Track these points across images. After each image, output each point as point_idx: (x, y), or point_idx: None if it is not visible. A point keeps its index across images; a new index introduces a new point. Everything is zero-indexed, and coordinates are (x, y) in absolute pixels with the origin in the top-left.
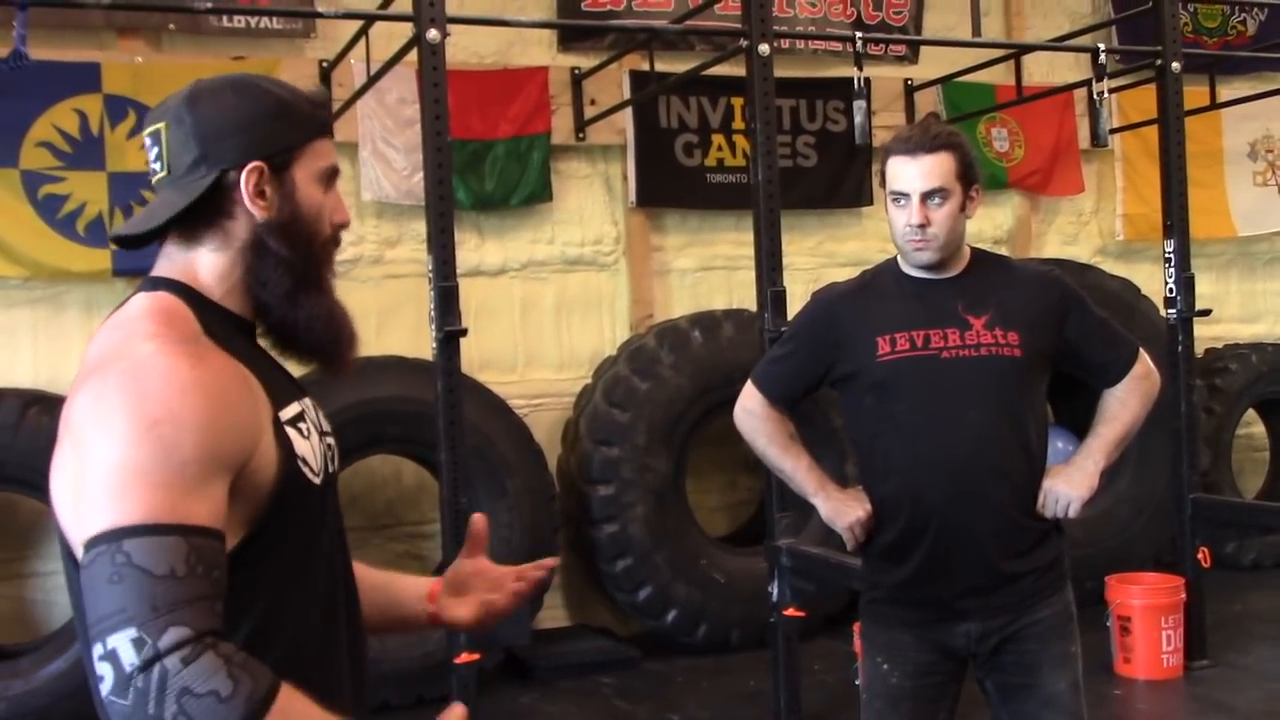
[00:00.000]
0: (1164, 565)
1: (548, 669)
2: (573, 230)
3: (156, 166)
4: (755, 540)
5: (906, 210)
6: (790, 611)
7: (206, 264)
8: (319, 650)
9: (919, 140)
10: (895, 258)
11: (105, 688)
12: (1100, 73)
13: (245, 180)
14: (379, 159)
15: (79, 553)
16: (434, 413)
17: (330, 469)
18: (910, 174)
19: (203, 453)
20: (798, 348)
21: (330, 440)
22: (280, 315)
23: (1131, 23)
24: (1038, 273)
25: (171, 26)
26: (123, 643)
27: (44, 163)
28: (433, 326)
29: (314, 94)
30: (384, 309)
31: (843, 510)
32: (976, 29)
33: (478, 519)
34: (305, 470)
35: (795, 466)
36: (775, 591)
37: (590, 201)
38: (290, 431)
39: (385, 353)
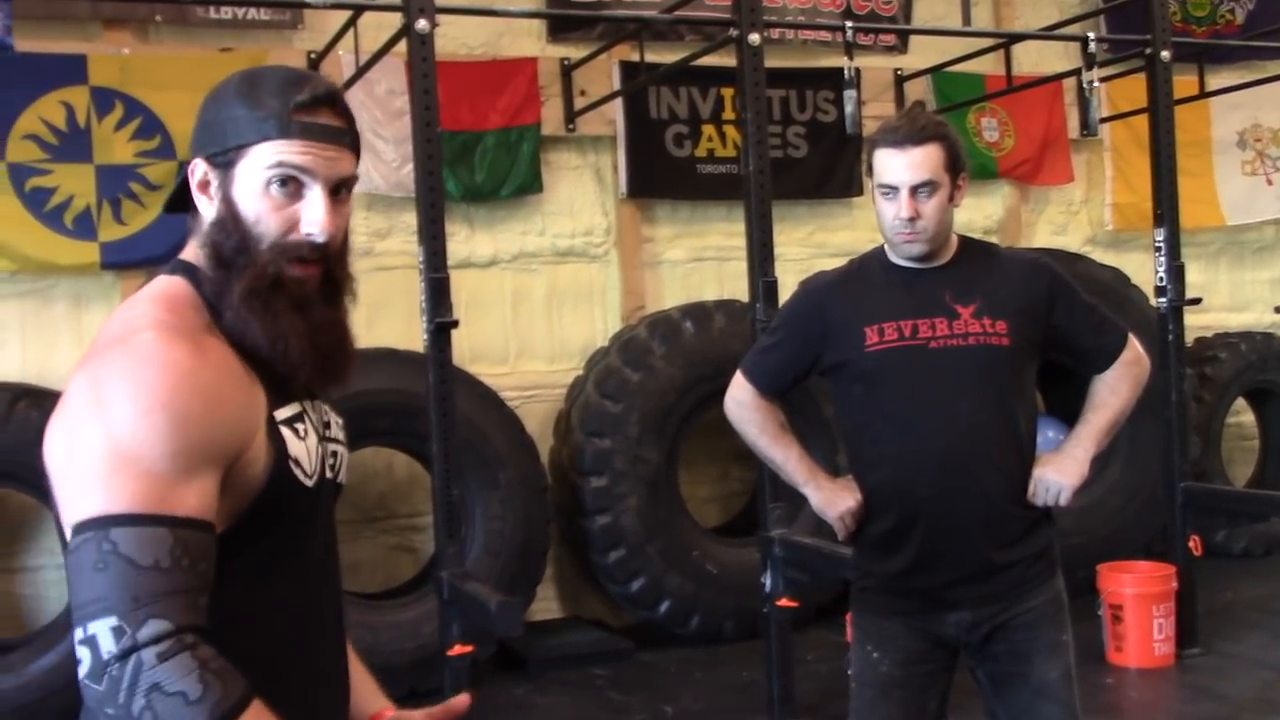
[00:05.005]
0: (1155, 554)
1: (541, 661)
2: (563, 221)
3: None
4: (748, 531)
5: (895, 203)
6: (783, 602)
7: (201, 253)
8: (294, 652)
9: (907, 132)
10: (882, 246)
11: (82, 671)
12: (1090, 62)
13: (191, 176)
14: (368, 150)
15: (68, 534)
16: (426, 405)
17: (330, 475)
18: (899, 166)
19: (195, 444)
20: (786, 338)
21: (337, 448)
22: (219, 312)
23: (1120, 12)
24: (1025, 260)
25: (158, 18)
26: (103, 630)
27: (31, 155)
28: (424, 318)
29: (294, 94)
30: (374, 301)
31: (833, 500)
32: (966, 18)
33: (463, 702)
34: (297, 471)
35: (786, 456)
36: (768, 582)
37: (580, 193)
38: (285, 431)
39: (376, 345)
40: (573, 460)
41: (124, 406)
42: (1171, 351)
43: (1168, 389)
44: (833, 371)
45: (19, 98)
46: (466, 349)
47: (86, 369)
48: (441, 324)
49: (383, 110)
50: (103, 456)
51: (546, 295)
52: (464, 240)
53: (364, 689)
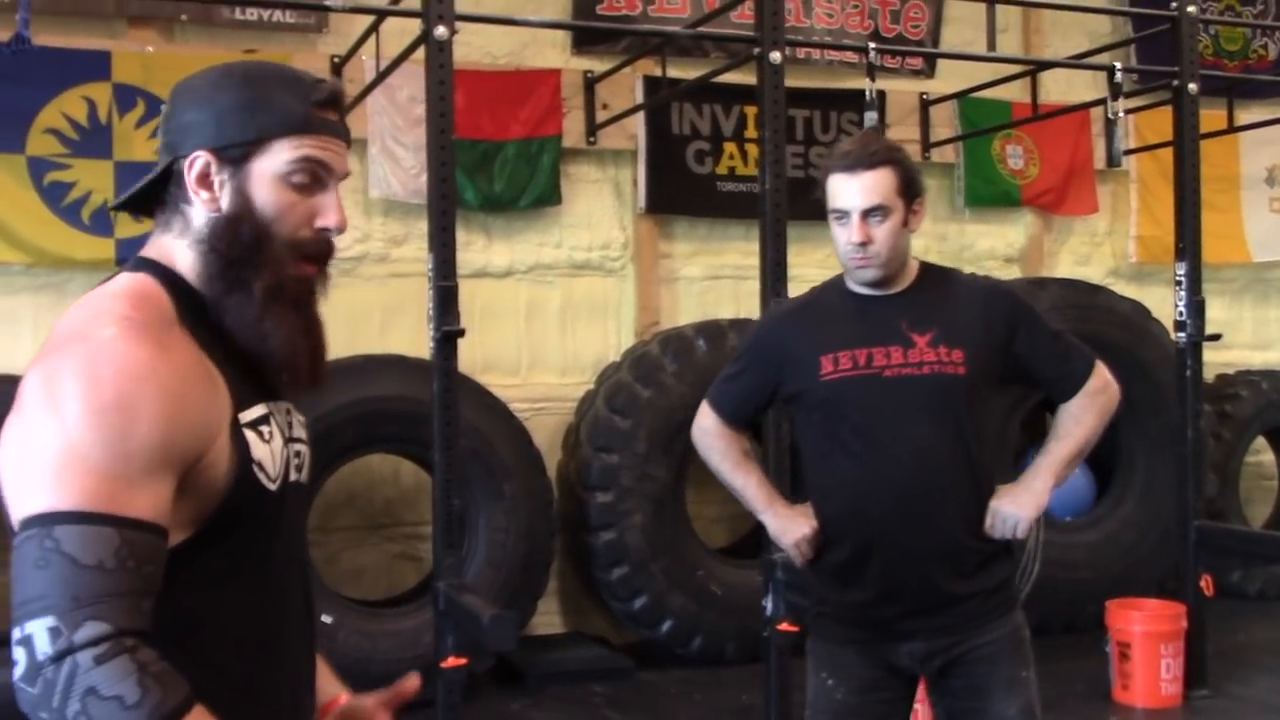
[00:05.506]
0: (1166, 592)
1: (540, 676)
2: (581, 234)
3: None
4: (754, 553)
5: (848, 228)
6: (784, 626)
7: (179, 251)
8: (257, 658)
9: (858, 156)
10: (842, 274)
11: (16, 673)
12: (1115, 92)
13: (188, 169)
14: (387, 156)
15: (14, 530)
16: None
17: (294, 477)
18: (850, 191)
19: (151, 445)
20: (746, 367)
21: (300, 448)
22: (216, 314)
23: (1151, 43)
24: (986, 287)
25: (183, 17)
26: (39, 630)
27: (51, 149)
28: (431, 326)
29: (310, 89)
30: (388, 307)
31: (788, 527)
32: (993, 44)
33: (413, 684)
34: (260, 475)
35: (745, 483)
36: (769, 605)
37: (599, 206)
38: (249, 434)
39: (387, 351)
40: (579, 475)
41: (78, 404)
42: (1189, 387)
43: (1184, 425)
44: (792, 400)
45: (42, 92)
46: (478, 359)
47: (43, 364)
48: (448, 332)
49: (403, 117)
50: (54, 453)
51: (561, 308)
52: (480, 250)
53: (320, 679)
